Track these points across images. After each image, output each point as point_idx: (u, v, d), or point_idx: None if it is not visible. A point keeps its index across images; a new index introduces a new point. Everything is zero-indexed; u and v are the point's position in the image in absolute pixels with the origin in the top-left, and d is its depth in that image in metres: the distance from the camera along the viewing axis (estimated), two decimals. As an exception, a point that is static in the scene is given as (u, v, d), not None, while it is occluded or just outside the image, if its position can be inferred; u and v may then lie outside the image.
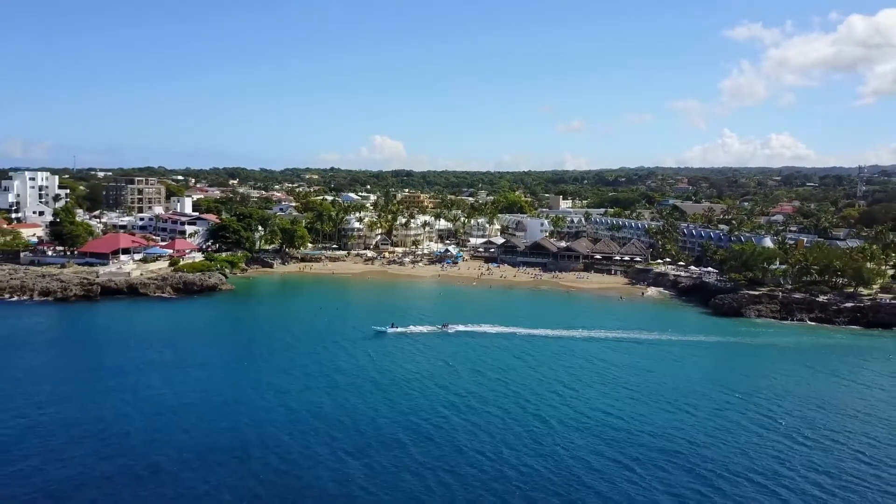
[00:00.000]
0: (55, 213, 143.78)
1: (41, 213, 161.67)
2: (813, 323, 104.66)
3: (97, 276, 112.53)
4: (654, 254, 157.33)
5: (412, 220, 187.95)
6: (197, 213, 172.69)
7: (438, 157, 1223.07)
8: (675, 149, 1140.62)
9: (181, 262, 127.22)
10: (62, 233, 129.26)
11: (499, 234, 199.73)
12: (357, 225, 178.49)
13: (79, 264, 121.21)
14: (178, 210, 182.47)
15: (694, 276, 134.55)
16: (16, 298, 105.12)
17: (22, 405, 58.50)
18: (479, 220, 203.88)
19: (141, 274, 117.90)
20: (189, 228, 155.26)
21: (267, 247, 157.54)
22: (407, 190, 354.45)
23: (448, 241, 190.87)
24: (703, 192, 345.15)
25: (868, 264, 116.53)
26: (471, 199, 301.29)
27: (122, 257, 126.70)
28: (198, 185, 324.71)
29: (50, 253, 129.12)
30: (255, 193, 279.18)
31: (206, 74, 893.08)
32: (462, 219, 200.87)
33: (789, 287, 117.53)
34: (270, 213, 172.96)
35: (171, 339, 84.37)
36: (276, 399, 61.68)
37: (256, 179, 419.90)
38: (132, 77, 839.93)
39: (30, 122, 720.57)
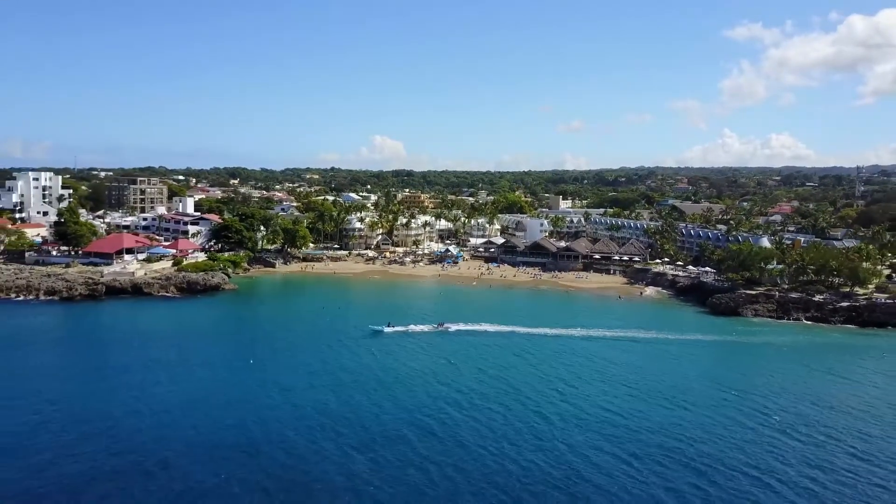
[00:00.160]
0: (60, 214, 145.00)
1: (45, 214, 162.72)
2: (809, 322, 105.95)
3: (102, 276, 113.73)
4: (652, 254, 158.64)
5: (413, 221, 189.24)
6: (199, 214, 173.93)
7: (438, 157, 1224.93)
8: (675, 149, 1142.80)
9: (184, 262, 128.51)
10: (67, 233, 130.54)
11: (499, 234, 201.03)
12: (358, 225, 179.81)
13: (83, 264, 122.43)
14: (180, 210, 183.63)
15: (692, 275, 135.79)
16: (22, 298, 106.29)
17: (34, 402, 59.72)
18: (479, 221, 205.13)
19: (145, 273, 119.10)
20: (192, 228, 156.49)
21: (269, 247, 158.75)
22: (407, 190, 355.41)
23: (448, 241, 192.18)
24: (702, 193, 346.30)
25: (864, 264, 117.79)
26: (471, 199, 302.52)
27: (126, 257, 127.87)
28: (199, 186, 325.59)
29: (55, 253, 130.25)
30: (256, 193, 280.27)
31: (206, 74, 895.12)
32: (462, 219, 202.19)
33: (786, 287, 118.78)
34: (272, 214, 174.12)
35: (175, 337, 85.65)
36: (281, 396, 62.89)
37: (257, 179, 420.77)
38: (132, 77, 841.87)
39: (30, 122, 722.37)
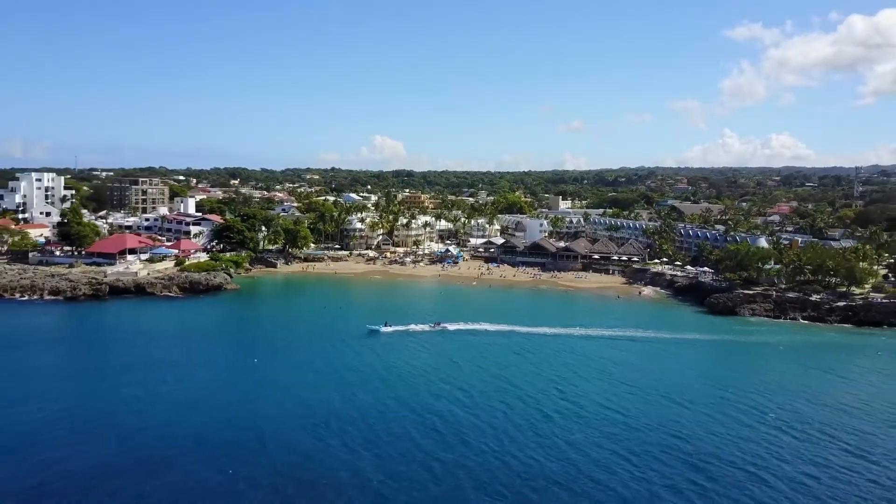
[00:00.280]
0: (63, 214, 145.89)
1: (48, 214, 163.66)
2: (806, 321, 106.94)
3: (105, 276, 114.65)
4: (651, 254, 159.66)
5: (413, 221, 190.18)
6: (200, 214, 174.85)
7: (438, 157, 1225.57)
8: (675, 149, 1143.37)
9: (187, 262, 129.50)
10: (70, 233, 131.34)
11: (499, 234, 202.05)
12: (359, 225, 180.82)
13: (86, 264, 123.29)
14: (182, 211, 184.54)
15: (690, 275, 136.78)
16: (26, 298, 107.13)
17: (41, 400, 60.51)
18: (479, 221, 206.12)
19: (148, 274, 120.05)
20: (194, 229, 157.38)
21: (270, 247, 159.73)
22: (407, 190, 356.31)
23: (448, 242, 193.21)
24: (702, 193, 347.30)
25: (861, 264, 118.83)
26: (471, 199, 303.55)
27: (129, 257, 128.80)
28: (200, 186, 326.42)
29: (58, 253, 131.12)
30: (257, 194, 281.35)
31: (206, 74, 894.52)
32: (462, 219, 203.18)
33: (783, 286, 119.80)
34: (273, 214, 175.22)
35: (179, 337, 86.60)
36: (285, 395, 63.73)
37: (257, 179, 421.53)
38: (132, 77, 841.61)
39: (30, 122, 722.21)
